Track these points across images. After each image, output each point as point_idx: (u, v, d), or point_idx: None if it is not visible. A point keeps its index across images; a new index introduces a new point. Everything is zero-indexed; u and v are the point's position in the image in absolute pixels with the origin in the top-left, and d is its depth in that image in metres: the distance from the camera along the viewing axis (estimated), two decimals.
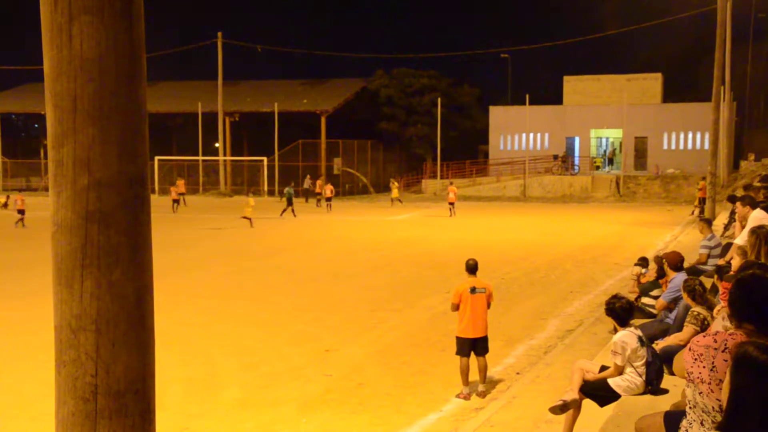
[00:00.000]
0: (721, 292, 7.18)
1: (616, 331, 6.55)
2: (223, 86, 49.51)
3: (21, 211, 28.57)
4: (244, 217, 28.61)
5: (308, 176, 45.62)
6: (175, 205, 36.49)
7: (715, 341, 3.27)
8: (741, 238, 9.09)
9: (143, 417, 2.16)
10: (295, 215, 33.01)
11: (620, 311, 6.45)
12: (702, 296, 7.26)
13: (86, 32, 2.00)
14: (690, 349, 3.32)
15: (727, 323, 4.67)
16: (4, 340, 10.92)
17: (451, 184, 37.14)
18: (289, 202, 33.83)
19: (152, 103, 45.62)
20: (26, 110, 55.82)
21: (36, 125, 65.91)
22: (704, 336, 3.36)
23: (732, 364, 2.36)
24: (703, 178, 31.21)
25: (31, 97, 54.51)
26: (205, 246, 22.58)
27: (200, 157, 50.51)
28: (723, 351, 3.20)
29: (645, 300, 10.01)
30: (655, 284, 10.23)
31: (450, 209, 33.91)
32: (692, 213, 31.14)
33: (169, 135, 56.81)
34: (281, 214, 33.09)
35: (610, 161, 52.54)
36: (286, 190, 35.76)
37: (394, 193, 39.88)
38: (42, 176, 52.90)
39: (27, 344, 10.44)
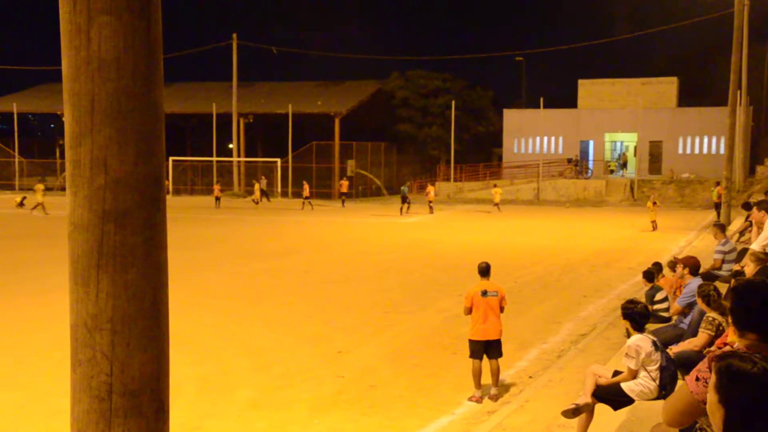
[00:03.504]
0: None
1: (629, 335, 6.52)
2: (237, 87, 49.64)
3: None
4: (496, 204, 36.00)
5: (262, 176, 46.39)
6: (218, 201, 38.92)
7: None
8: (757, 244, 9.02)
9: (157, 416, 2.17)
10: (402, 213, 34.91)
11: (638, 316, 6.43)
12: (716, 302, 7.21)
13: (104, 33, 2.01)
14: (699, 371, 3.23)
15: None
16: (20, 337, 11.00)
17: (431, 184, 39.64)
18: (404, 200, 35.57)
19: (167, 104, 45.58)
20: (42, 110, 56.23)
21: (52, 125, 66.42)
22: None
23: (716, 379, 2.32)
24: (717, 183, 30.76)
25: (47, 97, 54.89)
26: (218, 247, 22.66)
27: (214, 158, 50.68)
28: None
29: (656, 306, 9.95)
30: (655, 289, 10.17)
31: (430, 207, 36.56)
32: (654, 229, 27.31)
33: (184, 136, 57.03)
34: (401, 212, 35.09)
35: (624, 165, 52.29)
36: (402, 188, 37.13)
37: (257, 195, 40.53)
38: (58, 176, 53.26)
39: (43, 342, 10.52)
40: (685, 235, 25.79)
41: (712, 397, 2.28)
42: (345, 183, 42.05)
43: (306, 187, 40.06)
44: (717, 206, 29.35)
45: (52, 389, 8.23)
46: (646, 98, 49.74)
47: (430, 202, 37.11)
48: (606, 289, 15.47)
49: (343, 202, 40.90)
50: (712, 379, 2.29)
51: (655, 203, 28.34)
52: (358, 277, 17.09)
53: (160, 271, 2.18)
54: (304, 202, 39.03)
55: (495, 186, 40.82)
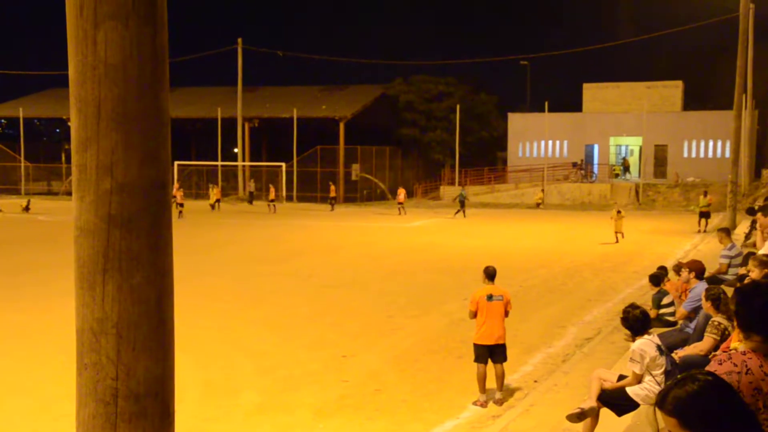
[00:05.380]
0: None
1: (634, 339, 6.50)
2: (242, 92, 49.76)
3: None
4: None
5: (252, 180, 46.59)
6: (217, 203, 39.30)
7: (735, 365, 3.15)
8: (766, 248, 9.00)
9: (162, 420, 2.18)
10: (465, 216, 35.57)
11: (633, 321, 6.40)
12: (725, 305, 7.20)
13: (111, 38, 2.02)
14: None
15: None
16: (27, 342, 11.02)
17: (401, 187, 41.86)
18: (462, 204, 36.44)
19: (172, 109, 45.78)
20: (49, 115, 56.41)
21: (57, 130, 66.62)
22: (719, 363, 3.23)
23: (677, 420, 2.15)
24: (705, 194, 30.14)
25: (53, 102, 55.08)
26: (223, 250, 22.68)
27: (219, 163, 50.78)
28: (746, 374, 3.09)
29: (662, 310, 9.92)
30: (661, 293, 10.14)
31: (399, 208, 38.50)
32: (617, 240, 24.83)
33: (189, 140, 57.16)
34: (455, 214, 36.05)
35: (626, 170, 52.20)
36: (460, 192, 38.10)
37: (212, 199, 40.45)
38: (63, 180, 53.40)
39: (48, 346, 10.54)
40: (691, 239, 25.73)
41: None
42: (333, 187, 42.63)
43: (272, 189, 41.07)
44: (703, 215, 28.65)
45: (57, 393, 8.24)
46: (651, 102, 49.67)
47: (400, 203, 38.84)
48: (611, 293, 15.44)
49: (332, 206, 41.06)
50: (672, 423, 2.17)
51: (619, 212, 25.34)
52: (363, 280, 17.09)
53: (166, 275, 2.18)
54: (269, 204, 39.74)
55: (542, 190, 44.17)
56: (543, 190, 44.59)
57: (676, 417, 2.16)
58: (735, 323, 6.77)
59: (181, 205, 35.13)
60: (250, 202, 45.50)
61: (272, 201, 40.11)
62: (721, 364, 3.21)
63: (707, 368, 3.26)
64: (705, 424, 2.13)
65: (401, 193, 39.85)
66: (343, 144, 48.97)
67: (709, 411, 2.14)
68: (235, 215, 37.47)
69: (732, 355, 3.36)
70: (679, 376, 2.32)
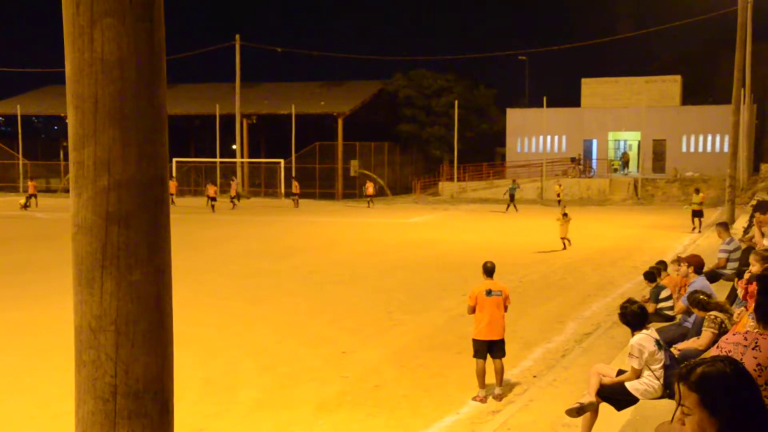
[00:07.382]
0: (741, 294, 7.14)
1: (633, 334, 6.51)
2: (240, 88, 49.68)
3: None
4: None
5: (233, 179, 46.24)
6: (212, 201, 38.12)
7: (746, 339, 3.19)
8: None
9: (161, 417, 2.18)
10: (517, 210, 36.20)
11: (630, 316, 6.41)
12: (710, 303, 7.23)
13: (108, 35, 2.01)
14: (718, 347, 3.26)
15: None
16: (25, 339, 11.02)
17: (369, 181, 43.32)
18: (512, 198, 37.11)
19: (170, 105, 45.57)
20: (46, 112, 56.30)
21: (56, 127, 66.48)
22: (734, 334, 3.29)
23: (698, 396, 2.12)
24: (697, 191, 28.37)
25: (51, 100, 54.98)
26: (223, 247, 22.67)
27: (218, 159, 50.72)
28: (753, 348, 3.14)
29: (661, 304, 9.93)
30: (659, 288, 10.15)
31: (368, 202, 40.63)
32: (564, 247, 22.07)
33: (187, 137, 57.08)
34: (506, 209, 36.69)
35: (625, 164, 52.15)
36: (510, 186, 38.56)
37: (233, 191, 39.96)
38: (61, 178, 53.33)
39: (47, 344, 10.54)
40: (689, 234, 25.73)
41: (699, 416, 2.12)
42: (296, 184, 42.27)
43: (233, 185, 41.24)
44: (696, 214, 26.97)
45: (56, 391, 8.25)
46: (650, 97, 49.62)
47: (369, 197, 40.65)
48: (610, 288, 15.45)
49: (295, 202, 40.79)
50: (692, 399, 2.14)
51: (565, 215, 22.42)
52: (362, 277, 17.09)
53: (164, 272, 2.18)
54: (231, 201, 39.63)
55: (559, 185, 43.52)
56: (560, 185, 43.62)
57: (699, 393, 2.13)
58: (733, 316, 6.80)
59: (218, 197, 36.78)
60: (238, 200, 45.25)
61: (233, 198, 39.85)
62: (734, 335, 3.26)
63: (720, 341, 3.31)
64: (727, 405, 2.11)
65: (369, 186, 41.50)
66: (341, 140, 48.91)
67: (735, 395, 2.11)
68: (232, 212, 37.44)
69: (748, 330, 3.40)
70: (706, 357, 2.31)
